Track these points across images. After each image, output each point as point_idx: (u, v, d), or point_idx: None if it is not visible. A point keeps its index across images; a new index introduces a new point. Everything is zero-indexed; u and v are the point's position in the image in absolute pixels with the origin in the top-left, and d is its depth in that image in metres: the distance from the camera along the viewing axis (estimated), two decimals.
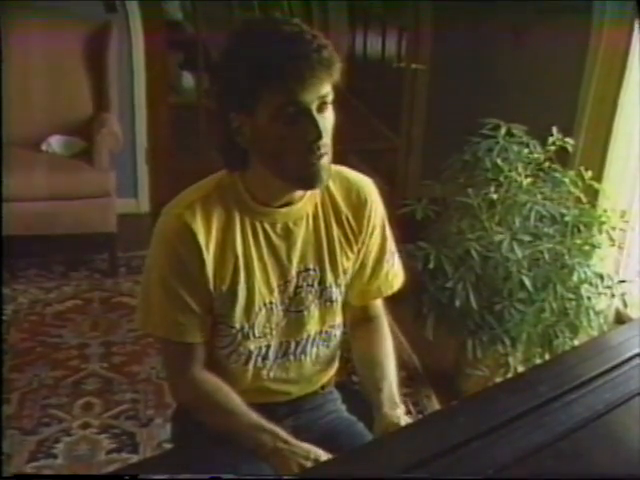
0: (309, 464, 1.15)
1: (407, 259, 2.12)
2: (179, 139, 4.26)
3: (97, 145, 3.17)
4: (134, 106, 3.87)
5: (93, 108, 3.50)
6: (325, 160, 1.16)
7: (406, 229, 1.95)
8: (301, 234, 1.28)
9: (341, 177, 1.32)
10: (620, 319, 2.53)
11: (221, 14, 4.90)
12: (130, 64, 3.78)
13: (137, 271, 3.27)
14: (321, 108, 1.13)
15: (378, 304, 1.46)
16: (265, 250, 1.26)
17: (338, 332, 1.41)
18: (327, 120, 1.15)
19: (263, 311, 1.28)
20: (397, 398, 1.31)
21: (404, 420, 1.26)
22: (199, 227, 1.20)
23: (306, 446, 1.19)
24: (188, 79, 5.57)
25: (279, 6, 5.74)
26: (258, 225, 1.25)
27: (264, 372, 1.34)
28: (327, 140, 1.15)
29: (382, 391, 1.31)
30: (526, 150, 2.22)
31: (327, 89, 1.12)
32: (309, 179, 1.17)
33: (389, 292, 1.44)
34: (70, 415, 2.33)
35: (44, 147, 3.34)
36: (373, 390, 1.33)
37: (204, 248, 1.20)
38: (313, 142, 1.13)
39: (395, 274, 1.43)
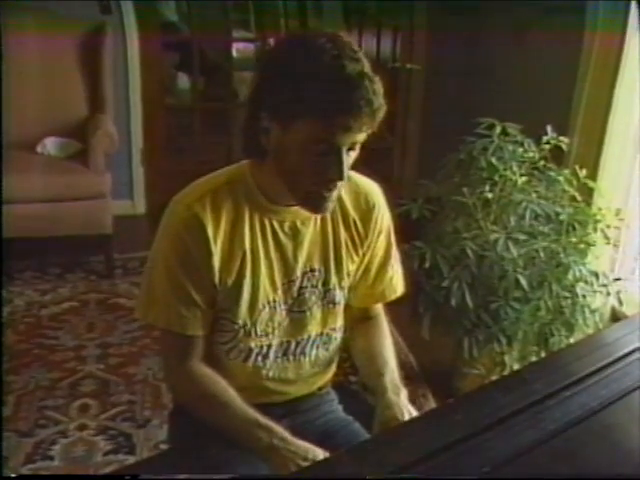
0: (306, 463, 1.14)
1: (403, 259, 2.14)
2: (174, 140, 4.26)
3: (92, 147, 3.17)
4: (129, 107, 3.86)
5: (88, 109, 3.50)
6: (337, 192, 1.18)
7: (402, 229, 1.96)
8: (308, 234, 1.29)
9: (350, 181, 1.32)
10: (616, 317, 2.54)
11: (216, 15, 4.89)
12: (125, 65, 3.78)
13: (133, 272, 3.27)
14: (351, 148, 1.14)
15: (378, 304, 1.47)
16: (272, 247, 1.27)
17: (338, 335, 1.41)
18: (352, 157, 1.16)
19: (266, 309, 1.29)
20: (399, 383, 1.32)
21: (408, 409, 1.26)
22: (208, 219, 1.20)
23: (303, 444, 1.18)
24: (183, 80, 5.56)
25: (274, 7, 5.75)
26: (267, 222, 1.25)
27: (263, 371, 1.34)
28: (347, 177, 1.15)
29: (384, 375, 1.32)
30: (521, 149, 2.22)
31: (364, 136, 1.13)
32: (315, 207, 1.20)
33: (392, 296, 1.45)
34: (67, 417, 2.33)
35: (39, 149, 3.33)
36: (375, 376, 1.33)
37: (212, 240, 1.20)
38: (333, 181, 1.14)
39: (399, 279, 1.45)
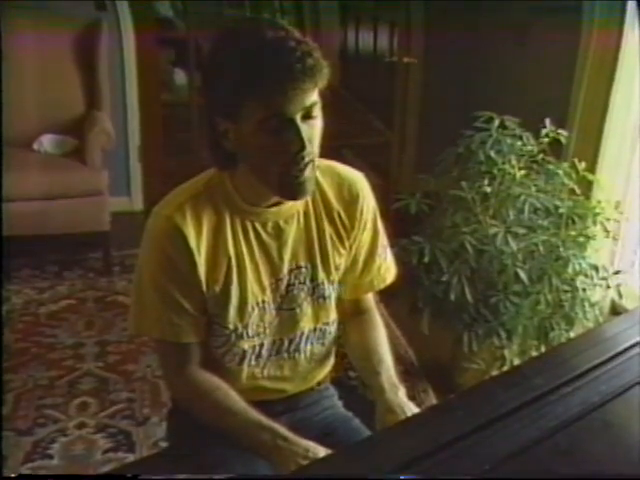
0: (306, 462, 1.13)
1: (402, 254, 2.13)
2: (172, 136, 4.25)
3: (89, 143, 3.16)
4: (126, 104, 3.86)
5: (85, 106, 3.49)
6: (309, 170, 1.14)
7: (400, 223, 1.95)
8: (292, 232, 1.27)
9: (332, 173, 1.31)
10: (616, 310, 2.54)
11: (212, 11, 4.89)
12: (121, 62, 3.78)
13: (131, 270, 3.22)
14: (307, 116, 1.11)
15: (369, 297, 1.46)
16: (256, 249, 1.25)
17: (333, 329, 1.40)
18: (314, 127, 1.13)
19: (256, 310, 1.28)
20: (396, 380, 1.31)
21: (408, 406, 1.25)
22: (189, 229, 1.19)
23: (305, 443, 1.18)
24: (180, 76, 5.56)
25: (270, 4, 5.74)
26: (249, 225, 1.24)
27: (258, 370, 1.33)
28: (312, 149, 1.13)
29: (381, 374, 1.31)
30: (519, 142, 2.21)
31: (313, 98, 1.10)
32: (292, 191, 1.17)
33: (382, 286, 1.44)
34: (66, 415, 2.32)
35: (36, 146, 3.32)
36: (371, 375, 1.32)
37: (195, 250, 1.19)
38: (297, 153, 1.11)
39: (388, 267, 1.43)
